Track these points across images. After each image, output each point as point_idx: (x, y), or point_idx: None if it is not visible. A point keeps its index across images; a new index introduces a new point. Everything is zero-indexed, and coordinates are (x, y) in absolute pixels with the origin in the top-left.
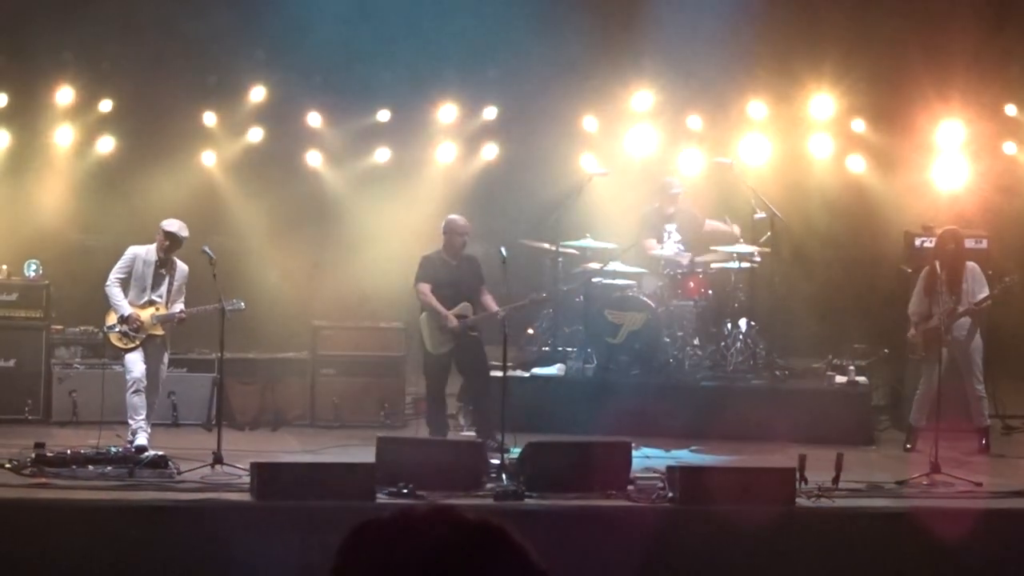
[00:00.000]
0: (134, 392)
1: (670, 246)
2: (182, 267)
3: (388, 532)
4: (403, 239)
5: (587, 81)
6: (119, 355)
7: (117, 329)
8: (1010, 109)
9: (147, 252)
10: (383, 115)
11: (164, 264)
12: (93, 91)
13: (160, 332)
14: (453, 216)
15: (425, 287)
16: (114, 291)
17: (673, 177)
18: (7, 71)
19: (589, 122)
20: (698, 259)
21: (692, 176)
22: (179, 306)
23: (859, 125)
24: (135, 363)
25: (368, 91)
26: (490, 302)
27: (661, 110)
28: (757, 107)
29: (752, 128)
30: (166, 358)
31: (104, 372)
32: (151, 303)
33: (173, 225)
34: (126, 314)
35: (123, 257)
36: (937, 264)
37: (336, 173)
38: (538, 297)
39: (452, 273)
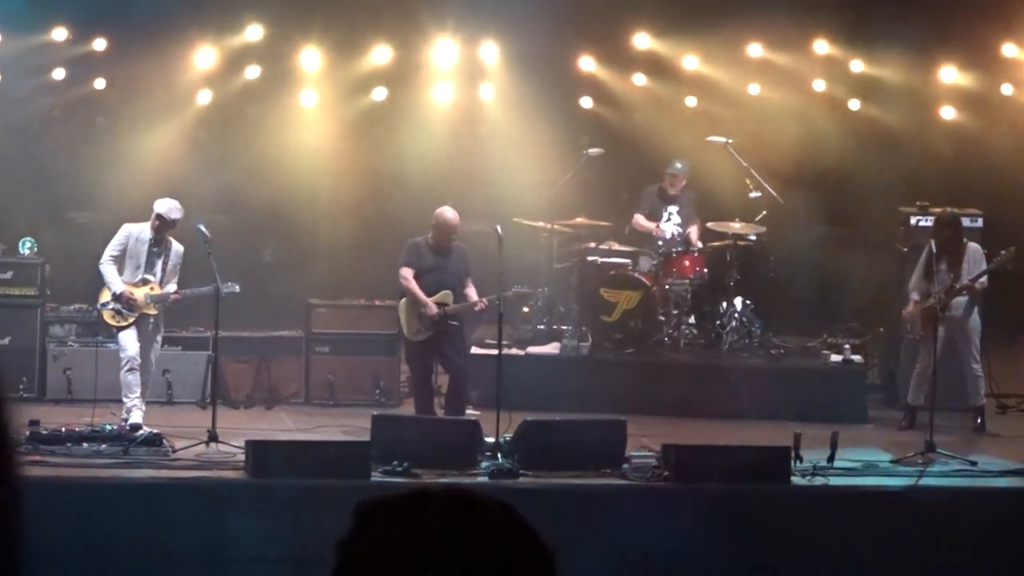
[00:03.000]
0: (128, 370)
1: (669, 227)
2: (177, 247)
3: (404, 509)
4: (397, 219)
5: (585, 51)
6: (113, 333)
7: (110, 307)
8: (1008, 49)
9: (141, 230)
10: (379, 94)
11: (158, 243)
12: (86, 67)
13: (153, 311)
14: (444, 209)
15: (407, 272)
16: (108, 268)
17: (678, 161)
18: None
19: (586, 101)
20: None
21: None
22: (173, 286)
23: (857, 66)
24: (129, 341)
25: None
26: (472, 293)
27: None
28: (756, 49)
29: (753, 73)
30: (159, 337)
31: (98, 350)
32: (145, 282)
33: (163, 206)
34: (118, 292)
35: (117, 235)
36: (932, 244)
37: (329, 149)
38: (522, 291)
39: (437, 261)
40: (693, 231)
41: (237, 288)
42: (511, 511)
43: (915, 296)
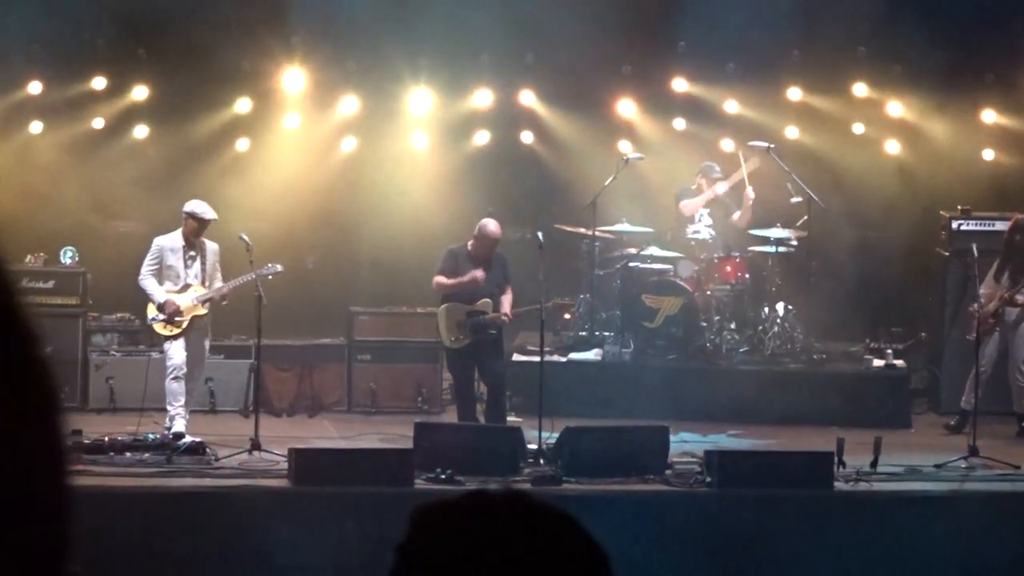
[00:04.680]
0: (174, 378)
1: (702, 227)
2: (211, 245)
3: (462, 513)
4: (438, 224)
5: (624, 65)
6: (157, 342)
7: (160, 318)
8: None
9: (171, 240)
10: (419, 96)
11: (192, 247)
12: (127, 78)
13: (203, 312)
14: (487, 221)
15: (443, 279)
16: (147, 283)
17: (715, 164)
18: (42, 59)
19: (625, 106)
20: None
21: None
22: (219, 283)
23: (896, 108)
24: (177, 350)
25: (403, 78)
26: (506, 301)
27: (697, 94)
28: (795, 92)
29: (789, 113)
30: (207, 343)
31: (141, 359)
32: (188, 286)
33: (198, 207)
34: (161, 301)
35: (150, 250)
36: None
37: (372, 157)
38: (561, 303)
39: (475, 268)
40: (737, 214)
41: (279, 267)
42: (568, 516)
43: (983, 299)
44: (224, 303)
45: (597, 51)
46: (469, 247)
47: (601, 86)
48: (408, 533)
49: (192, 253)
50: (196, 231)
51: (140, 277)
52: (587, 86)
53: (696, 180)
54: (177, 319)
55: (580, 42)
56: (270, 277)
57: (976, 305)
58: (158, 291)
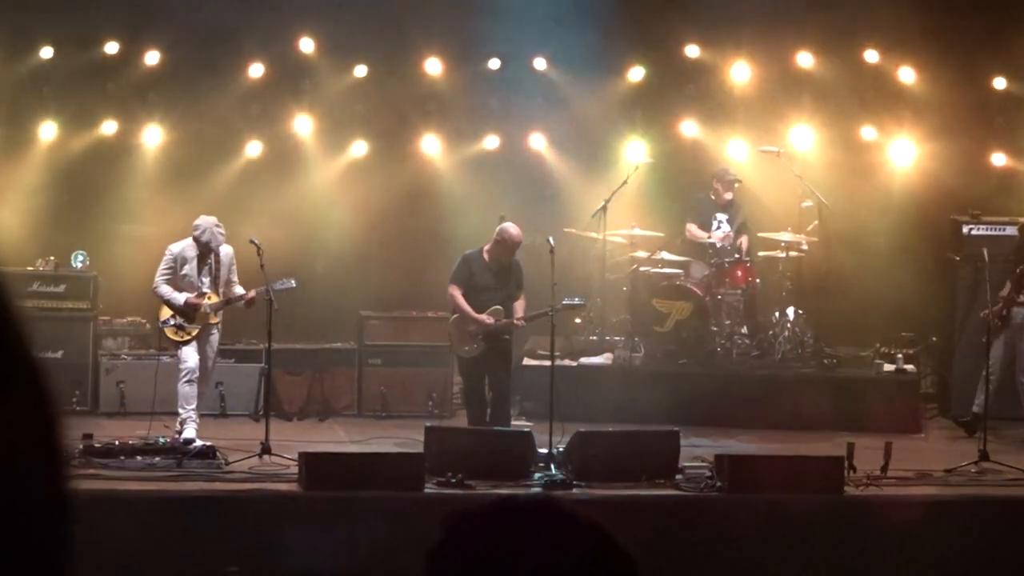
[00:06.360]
0: (187, 382)
1: (719, 235)
2: (226, 250)
3: (493, 520)
4: (447, 229)
5: (634, 60)
6: (167, 345)
7: (172, 323)
8: None
9: (183, 247)
10: (429, 107)
11: (206, 255)
12: (140, 84)
13: (215, 320)
14: (508, 225)
15: (456, 290)
16: (163, 289)
17: (730, 167)
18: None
19: (636, 110)
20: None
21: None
22: (236, 288)
23: (907, 74)
24: (190, 354)
25: (410, 84)
26: (519, 309)
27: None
28: (805, 58)
29: (800, 114)
30: (216, 345)
31: (152, 363)
32: (202, 294)
33: (197, 228)
34: (182, 301)
35: (164, 258)
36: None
37: (384, 162)
38: (573, 304)
39: (490, 279)
40: (744, 241)
41: (293, 283)
42: (598, 523)
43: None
44: (249, 308)
45: (605, 50)
46: (486, 253)
47: (611, 86)
48: (439, 539)
49: (207, 261)
50: (203, 254)
51: (155, 286)
52: (597, 87)
53: (712, 186)
54: (188, 325)
55: (589, 43)
56: (284, 294)
57: (987, 311)
58: (176, 295)
